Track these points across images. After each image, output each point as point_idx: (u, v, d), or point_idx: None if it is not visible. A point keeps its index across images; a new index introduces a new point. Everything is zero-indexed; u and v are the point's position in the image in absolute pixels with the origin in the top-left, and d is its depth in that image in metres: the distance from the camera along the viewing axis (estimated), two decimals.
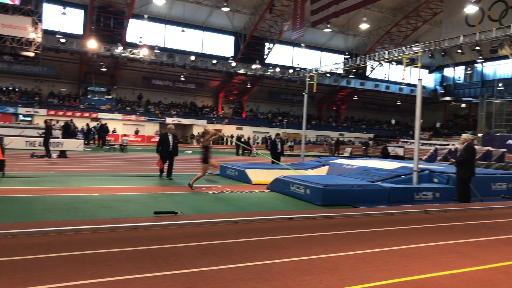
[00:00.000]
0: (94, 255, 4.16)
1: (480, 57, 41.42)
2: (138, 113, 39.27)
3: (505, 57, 42.99)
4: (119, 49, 33.92)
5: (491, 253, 4.91)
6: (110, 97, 40.25)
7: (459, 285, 3.77)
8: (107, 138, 27.02)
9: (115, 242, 4.65)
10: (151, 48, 35.94)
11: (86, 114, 36.26)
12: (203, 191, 9.52)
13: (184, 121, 40.50)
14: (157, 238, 4.97)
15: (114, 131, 35.39)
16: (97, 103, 38.51)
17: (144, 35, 36.83)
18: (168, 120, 38.74)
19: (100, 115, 36.24)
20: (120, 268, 3.80)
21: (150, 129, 39.61)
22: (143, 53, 34.91)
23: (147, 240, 4.84)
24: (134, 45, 35.75)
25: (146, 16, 36.49)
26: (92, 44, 32.79)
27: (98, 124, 29.36)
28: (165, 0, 34.13)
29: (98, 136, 27.90)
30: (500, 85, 41.88)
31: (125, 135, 30.06)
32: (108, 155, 20.53)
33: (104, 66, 36.64)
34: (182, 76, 40.07)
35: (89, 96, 39.36)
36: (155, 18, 38.13)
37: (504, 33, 25.08)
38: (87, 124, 30.54)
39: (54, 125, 24.23)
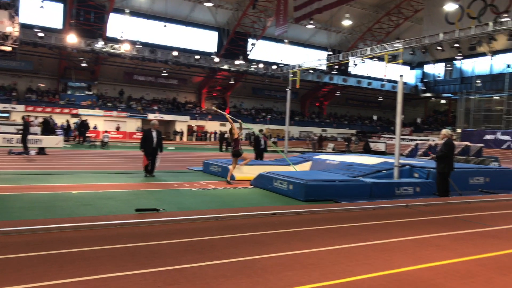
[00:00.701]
0: (74, 254, 4.09)
1: (459, 54, 42.24)
2: (119, 109, 38.75)
3: (483, 54, 44.10)
4: (99, 44, 33.34)
5: (468, 246, 5.03)
6: (90, 93, 39.56)
7: (438, 277, 3.85)
8: (87, 135, 26.57)
9: (96, 240, 4.58)
10: (133, 43, 35.43)
11: (66, 110, 35.58)
12: (185, 188, 9.46)
13: (167, 117, 40.12)
14: (138, 235, 4.91)
15: (95, 127, 34.84)
16: (78, 99, 37.82)
17: (125, 30, 36.27)
18: (150, 116, 38.34)
19: (81, 111, 35.64)
20: (100, 266, 3.74)
21: (132, 125, 39.13)
22: (124, 48, 34.39)
23: (128, 237, 4.78)
24: (115, 40, 35.19)
25: (127, 11, 35.96)
26: (72, 39, 32.13)
27: (79, 120, 28.86)
28: None
29: (79, 133, 27.43)
30: (478, 81, 42.90)
31: (106, 132, 29.60)
32: (89, 152, 20.20)
33: (84, 61, 35.95)
34: (164, 71, 39.68)
35: (69, 92, 38.60)
36: (137, 12, 37.60)
37: (483, 31, 25.62)
38: (67, 120, 29.98)
39: (32, 121, 23.72)
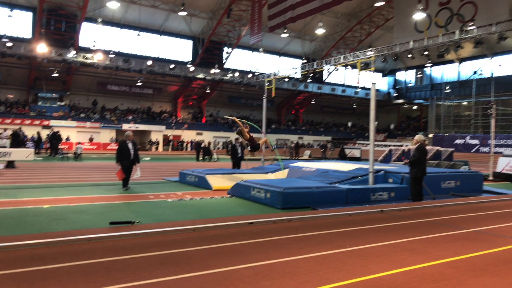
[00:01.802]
0: (45, 271, 3.95)
1: (429, 61, 43.58)
2: (93, 120, 37.96)
3: (451, 61, 45.66)
4: (71, 54, 32.70)
5: (441, 249, 5.14)
6: (62, 103, 38.64)
7: (412, 281, 3.91)
8: (59, 147, 25.88)
9: (68, 256, 4.44)
10: (106, 52, 34.91)
11: (37, 122, 34.60)
12: (161, 199, 9.32)
13: (142, 127, 39.58)
14: (113, 249, 4.80)
15: (67, 139, 34.01)
16: (49, 110, 36.85)
17: (98, 39, 35.73)
18: (125, 126, 37.75)
19: (52, 122, 34.72)
20: (72, 283, 3.63)
21: (106, 136, 38.39)
22: (97, 57, 33.84)
23: (102, 252, 4.66)
24: (88, 50, 34.60)
25: (100, 20, 35.44)
26: (42, 48, 31.39)
27: (50, 132, 28.08)
28: (119, 4, 33.31)
29: (50, 145, 26.66)
30: (447, 87, 44.29)
31: (79, 143, 28.93)
32: (61, 165, 19.68)
33: (55, 72, 35.14)
34: (139, 81, 39.23)
35: (39, 103, 37.60)
36: (110, 22, 37.11)
37: (450, 39, 26.46)
38: (38, 132, 29.12)
39: (0, 134, 22.96)
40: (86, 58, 33.57)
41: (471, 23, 25.55)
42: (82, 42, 35.40)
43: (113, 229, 5.76)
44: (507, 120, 35.77)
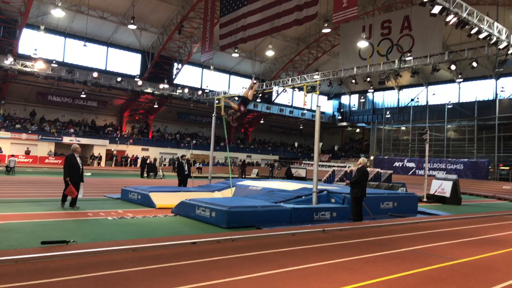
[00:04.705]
0: None
1: (371, 87, 45.97)
2: (30, 131, 35.72)
3: (391, 88, 48.52)
4: (8, 61, 30.77)
5: (378, 268, 5.34)
6: None
7: None
8: None
9: None
10: (48, 61, 33.25)
11: None
12: (101, 217, 8.90)
13: (84, 140, 37.78)
14: (43, 271, 4.48)
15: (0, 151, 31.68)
16: None
17: (40, 47, 33.98)
18: (66, 139, 35.93)
19: None
20: None
21: (44, 149, 36.22)
22: (38, 66, 32.12)
23: (30, 274, 4.34)
24: (28, 58, 32.77)
25: (42, 27, 33.78)
26: None
27: None
28: (64, 13, 32.06)
29: None
30: (387, 113, 46.89)
31: (12, 156, 27.04)
32: None
33: None
34: (83, 93, 37.67)
35: None
36: (54, 30, 35.52)
37: (390, 67, 28.37)
38: None
39: None
40: (25, 66, 31.76)
41: (409, 54, 27.54)
42: (22, 49, 33.52)
43: (44, 249, 5.39)
44: (439, 145, 38.43)
